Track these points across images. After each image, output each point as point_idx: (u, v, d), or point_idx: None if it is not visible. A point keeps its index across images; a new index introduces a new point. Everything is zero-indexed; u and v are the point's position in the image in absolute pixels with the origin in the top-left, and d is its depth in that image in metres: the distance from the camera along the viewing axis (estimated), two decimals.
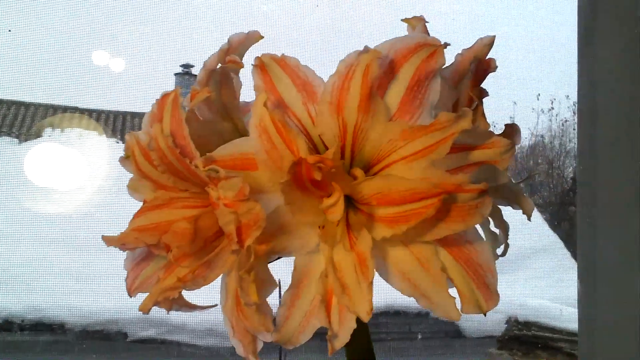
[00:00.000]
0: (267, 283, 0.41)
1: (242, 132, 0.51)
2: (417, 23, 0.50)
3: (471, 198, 0.38)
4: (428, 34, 0.49)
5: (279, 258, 0.44)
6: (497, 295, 0.39)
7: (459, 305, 0.39)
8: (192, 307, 0.45)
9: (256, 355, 0.44)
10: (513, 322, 2.86)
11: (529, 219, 0.48)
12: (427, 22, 0.50)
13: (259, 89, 0.42)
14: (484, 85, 0.50)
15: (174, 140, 0.40)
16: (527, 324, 2.89)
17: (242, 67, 0.48)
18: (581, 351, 0.98)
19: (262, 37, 0.54)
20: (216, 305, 0.47)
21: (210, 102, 0.49)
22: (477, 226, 0.50)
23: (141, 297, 0.48)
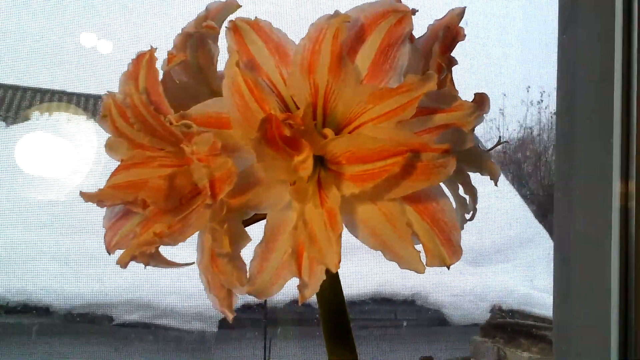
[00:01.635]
0: (240, 237, 0.42)
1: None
2: None
3: (435, 157, 0.39)
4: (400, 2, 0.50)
5: (257, 221, 0.45)
6: (460, 249, 0.41)
7: (424, 260, 0.41)
8: (168, 264, 0.47)
9: (232, 309, 0.45)
10: (497, 311, 2.89)
11: (495, 184, 0.50)
12: None
13: (231, 50, 0.43)
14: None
15: (148, 97, 0.42)
16: (512, 313, 2.92)
17: (218, 32, 0.49)
18: (556, 338, 1.00)
19: (240, 6, 0.55)
20: (192, 263, 0.48)
21: (187, 66, 0.50)
22: (447, 191, 0.52)
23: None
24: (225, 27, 0.44)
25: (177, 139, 0.42)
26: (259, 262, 0.42)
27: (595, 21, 0.92)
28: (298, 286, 0.41)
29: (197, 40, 0.50)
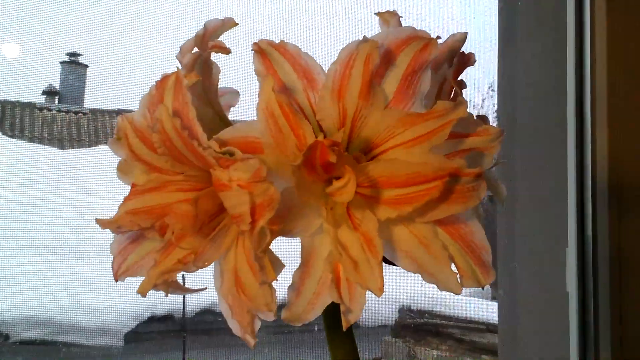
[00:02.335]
0: (274, 264, 0.41)
1: (222, 118, 0.52)
2: (390, 18, 0.52)
3: (469, 181, 0.41)
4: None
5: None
6: (493, 270, 0.43)
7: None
8: (185, 290, 0.45)
9: (254, 335, 0.44)
10: (406, 311, 2.98)
11: (502, 204, 0.52)
12: (400, 17, 0.52)
13: (260, 74, 0.43)
14: None
15: (181, 122, 0.40)
16: (420, 312, 3.01)
17: (229, 52, 0.48)
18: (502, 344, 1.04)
19: (237, 24, 0.54)
20: (206, 288, 0.47)
21: (194, 87, 0.49)
22: None
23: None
24: (251, 49, 0.43)
25: (205, 163, 0.41)
26: (296, 288, 0.42)
27: (540, 33, 0.97)
28: (342, 312, 0.41)
29: (203, 61, 0.49)
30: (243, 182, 0.39)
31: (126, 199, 0.45)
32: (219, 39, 0.48)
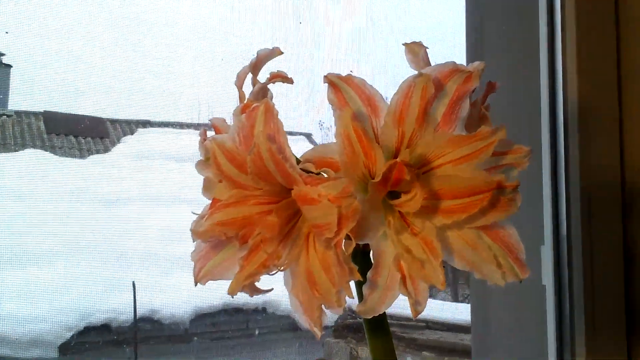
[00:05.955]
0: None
1: None
2: (419, 49, 0.60)
3: (509, 192, 0.49)
4: (429, 60, 0.60)
5: None
6: (528, 267, 0.51)
7: None
8: (258, 291, 0.52)
9: (321, 328, 0.51)
10: (347, 312, 3.06)
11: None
12: (427, 47, 0.60)
13: (334, 103, 0.50)
14: None
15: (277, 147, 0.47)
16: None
17: (292, 82, 0.55)
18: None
19: (282, 53, 0.61)
20: (272, 289, 0.54)
21: None
22: None
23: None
24: (324, 82, 0.50)
25: (291, 182, 0.48)
26: (370, 285, 0.49)
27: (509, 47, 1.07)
28: (410, 304, 0.49)
29: (265, 89, 0.56)
30: (332, 197, 0.46)
31: (212, 212, 0.51)
32: (281, 70, 0.55)
